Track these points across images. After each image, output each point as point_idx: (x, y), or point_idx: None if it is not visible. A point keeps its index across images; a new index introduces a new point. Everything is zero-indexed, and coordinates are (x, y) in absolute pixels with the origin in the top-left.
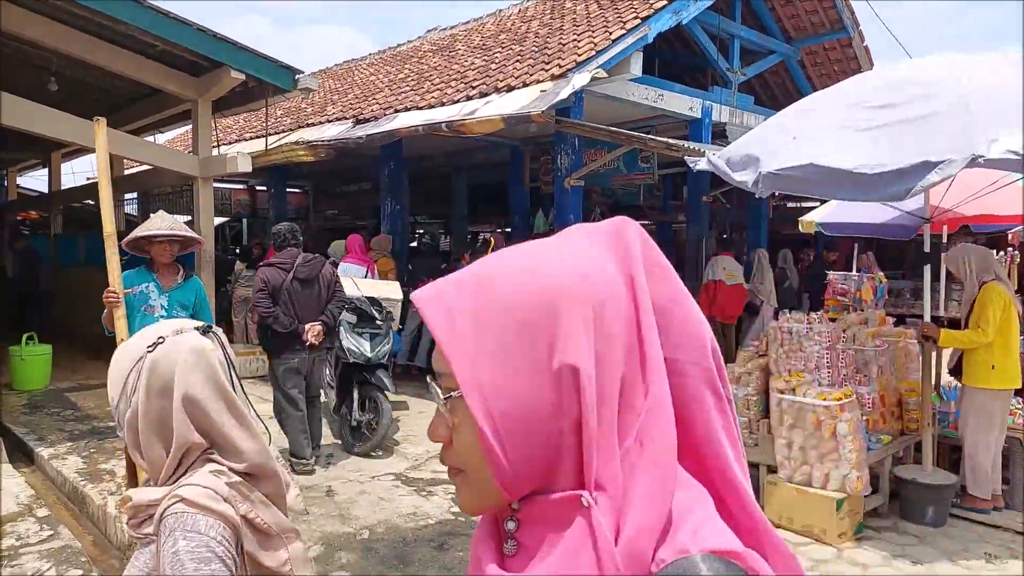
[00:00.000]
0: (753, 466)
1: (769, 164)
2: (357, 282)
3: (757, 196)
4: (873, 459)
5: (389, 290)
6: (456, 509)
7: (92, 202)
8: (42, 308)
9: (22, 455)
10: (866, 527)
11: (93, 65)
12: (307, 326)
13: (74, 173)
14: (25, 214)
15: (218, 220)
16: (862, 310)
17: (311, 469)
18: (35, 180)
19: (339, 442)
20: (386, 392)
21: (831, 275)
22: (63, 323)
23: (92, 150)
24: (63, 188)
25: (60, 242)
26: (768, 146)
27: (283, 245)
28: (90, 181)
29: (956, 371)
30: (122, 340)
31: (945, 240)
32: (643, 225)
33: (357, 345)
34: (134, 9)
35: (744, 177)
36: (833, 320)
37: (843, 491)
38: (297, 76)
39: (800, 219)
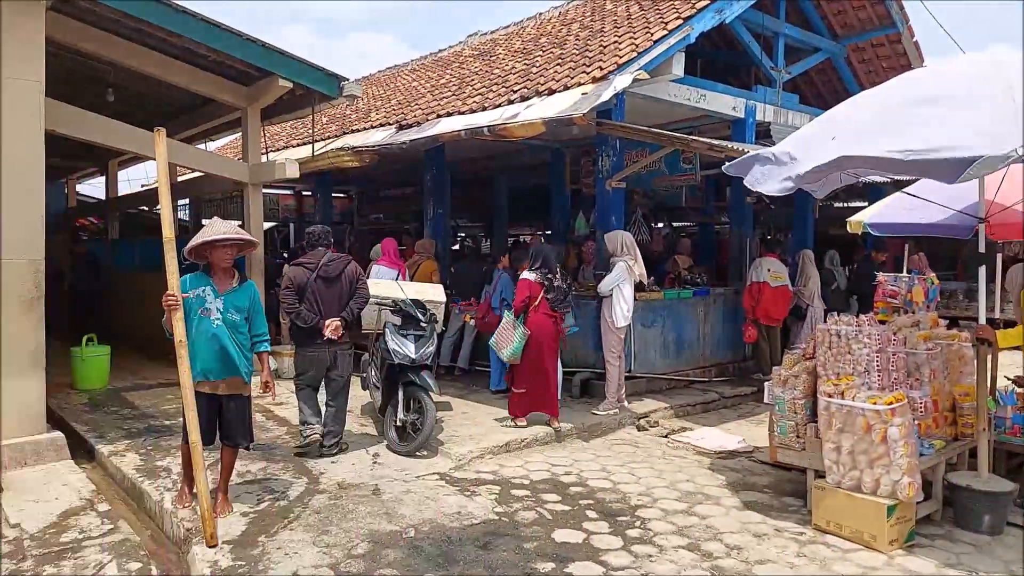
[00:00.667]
0: (800, 471)
1: (805, 165)
2: (402, 285)
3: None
4: (925, 465)
5: (433, 293)
6: (500, 509)
7: (147, 208)
8: (100, 311)
9: (83, 452)
10: (918, 534)
11: (149, 76)
12: (326, 322)
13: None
14: (83, 221)
15: (266, 225)
16: (913, 312)
17: (315, 438)
18: (92, 187)
19: (384, 441)
20: (430, 393)
21: (881, 276)
22: (120, 325)
23: (147, 158)
24: (119, 195)
25: (116, 247)
26: (807, 149)
27: (315, 245)
28: (145, 188)
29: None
30: (180, 342)
31: (1001, 242)
32: (685, 226)
33: (402, 346)
34: (187, 21)
35: (770, 187)
36: (883, 322)
37: (894, 497)
38: (342, 83)
39: (848, 220)
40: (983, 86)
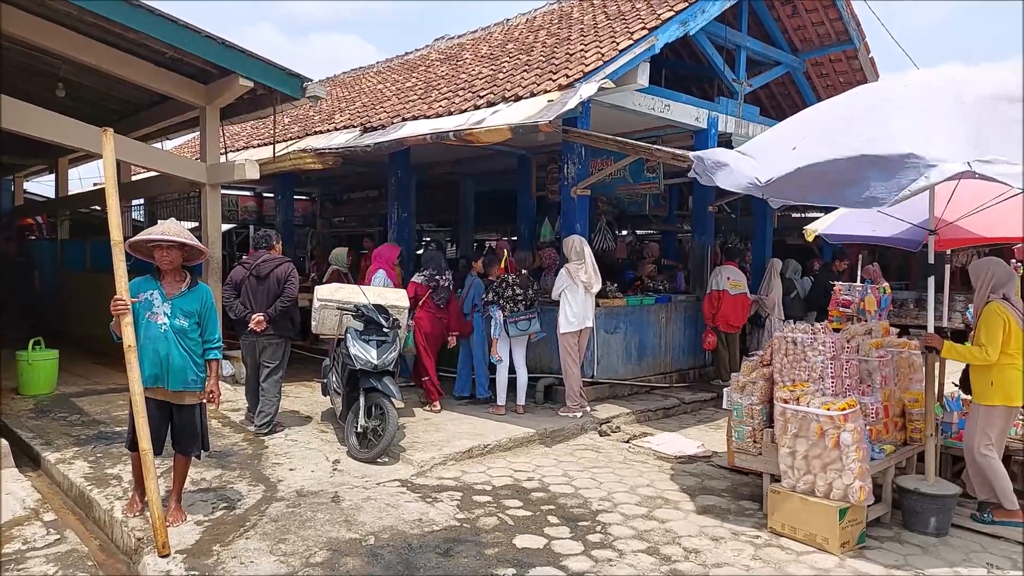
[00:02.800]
0: (757, 475)
1: (764, 173)
2: (364, 290)
3: (761, 199)
4: (876, 469)
5: (395, 297)
6: (462, 516)
7: (99, 208)
8: (36, 315)
9: (28, 459)
10: (869, 537)
11: (102, 72)
12: (252, 316)
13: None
14: (30, 220)
15: (225, 227)
16: (866, 320)
17: (253, 427)
18: (41, 185)
19: (345, 448)
20: (392, 399)
21: (836, 285)
22: (69, 328)
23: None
24: (70, 193)
25: (67, 247)
26: (766, 156)
27: (257, 247)
28: (97, 187)
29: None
30: (129, 347)
31: (949, 252)
32: (648, 234)
33: (364, 352)
34: (143, 16)
35: (733, 181)
36: (837, 330)
37: (846, 500)
38: (305, 84)
39: (804, 228)
40: (935, 100)
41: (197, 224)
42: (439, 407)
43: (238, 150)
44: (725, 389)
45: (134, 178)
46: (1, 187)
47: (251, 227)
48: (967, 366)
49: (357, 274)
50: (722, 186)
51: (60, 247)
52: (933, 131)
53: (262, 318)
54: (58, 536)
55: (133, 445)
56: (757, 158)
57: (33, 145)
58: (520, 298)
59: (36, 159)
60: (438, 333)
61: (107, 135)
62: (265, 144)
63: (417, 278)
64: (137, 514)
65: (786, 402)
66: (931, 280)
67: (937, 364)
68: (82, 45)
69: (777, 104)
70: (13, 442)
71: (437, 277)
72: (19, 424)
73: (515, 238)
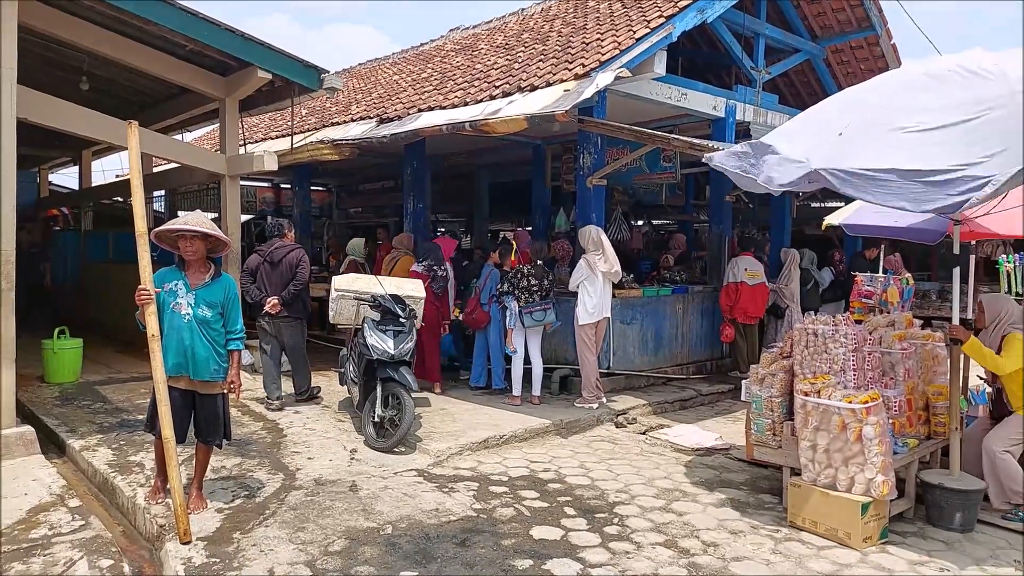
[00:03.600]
0: (776, 468)
1: (821, 162)
2: (381, 280)
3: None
4: (899, 463)
5: (412, 288)
6: (478, 506)
7: (121, 199)
8: (48, 306)
9: (54, 446)
10: (892, 532)
11: (124, 65)
12: (268, 299)
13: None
14: (55, 211)
15: (244, 218)
16: (888, 312)
17: (277, 407)
18: (65, 177)
19: (362, 437)
20: (409, 389)
21: (857, 276)
22: (93, 317)
23: (121, 148)
24: (93, 185)
25: (90, 238)
26: (810, 142)
27: (271, 235)
28: (119, 178)
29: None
30: (153, 336)
31: (974, 243)
32: (664, 224)
33: (381, 342)
34: (165, 9)
35: (776, 173)
36: (859, 322)
37: (868, 495)
38: (322, 76)
39: (825, 219)
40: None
41: (217, 215)
42: (439, 390)
43: (256, 142)
44: (743, 381)
45: (155, 170)
46: (25, 179)
47: (268, 217)
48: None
49: (372, 264)
50: (772, 187)
51: (83, 238)
52: (992, 134)
53: (277, 301)
54: (83, 522)
55: (149, 426)
56: (804, 150)
57: (57, 137)
58: (535, 288)
59: (60, 151)
60: (435, 320)
61: (132, 128)
62: (283, 135)
63: (416, 267)
64: (159, 501)
65: (807, 395)
66: (956, 271)
67: (962, 357)
68: (104, 39)
69: (796, 92)
70: (39, 429)
71: (435, 267)
72: (45, 411)
73: (530, 228)
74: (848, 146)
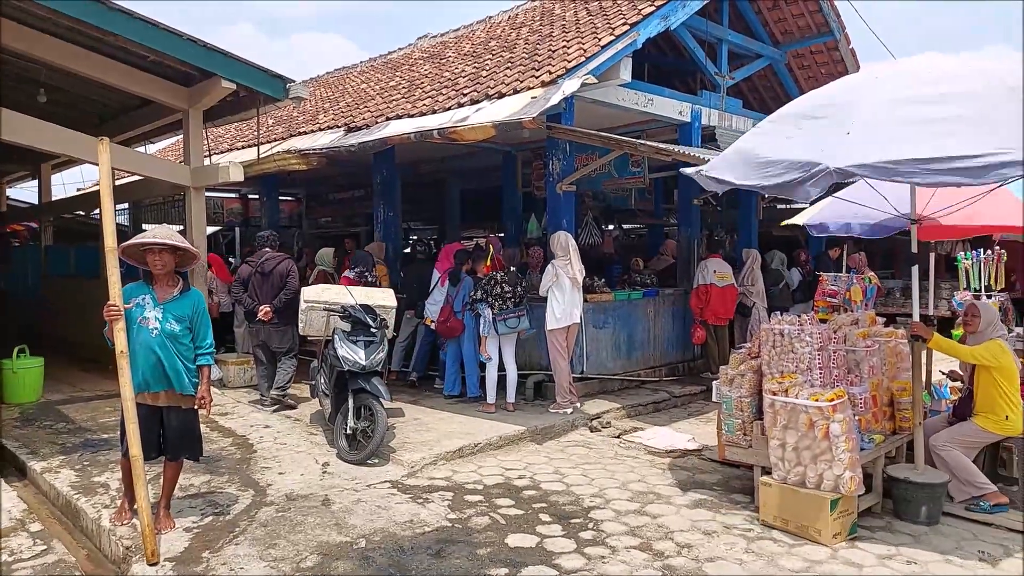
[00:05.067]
0: (748, 468)
1: (838, 160)
2: (351, 290)
3: (809, 200)
4: (866, 459)
5: (383, 297)
6: (453, 516)
7: (83, 213)
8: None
9: (15, 469)
10: (860, 527)
11: (83, 76)
12: (260, 307)
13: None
14: (14, 226)
15: (210, 229)
16: (852, 310)
17: (268, 403)
18: (24, 192)
19: (335, 450)
20: (381, 400)
21: (821, 276)
22: (55, 334)
23: (82, 161)
24: (53, 199)
25: (51, 253)
26: (815, 145)
27: (262, 246)
28: (81, 192)
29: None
30: (121, 352)
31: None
32: (634, 228)
33: (352, 353)
34: (125, 20)
35: (787, 178)
36: (823, 321)
37: (837, 491)
38: (288, 85)
39: (786, 221)
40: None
41: (182, 228)
42: None
43: (222, 152)
44: (714, 382)
45: (118, 182)
46: None
47: (236, 229)
48: (972, 386)
49: (340, 275)
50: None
51: (44, 252)
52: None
53: (269, 309)
54: (45, 547)
55: (122, 442)
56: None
57: (15, 151)
58: (509, 295)
59: (18, 165)
60: None
61: (103, 145)
62: (249, 146)
63: (349, 274)
64: (126, 522)
65: (775, 394)
66: (915, 269)
67: (924, 352)
68: (62, 50)
69: (760, 97)
70: None
71: (366, 273)
72: (4, 433)
73: (502, 235)
74: (865, 142)
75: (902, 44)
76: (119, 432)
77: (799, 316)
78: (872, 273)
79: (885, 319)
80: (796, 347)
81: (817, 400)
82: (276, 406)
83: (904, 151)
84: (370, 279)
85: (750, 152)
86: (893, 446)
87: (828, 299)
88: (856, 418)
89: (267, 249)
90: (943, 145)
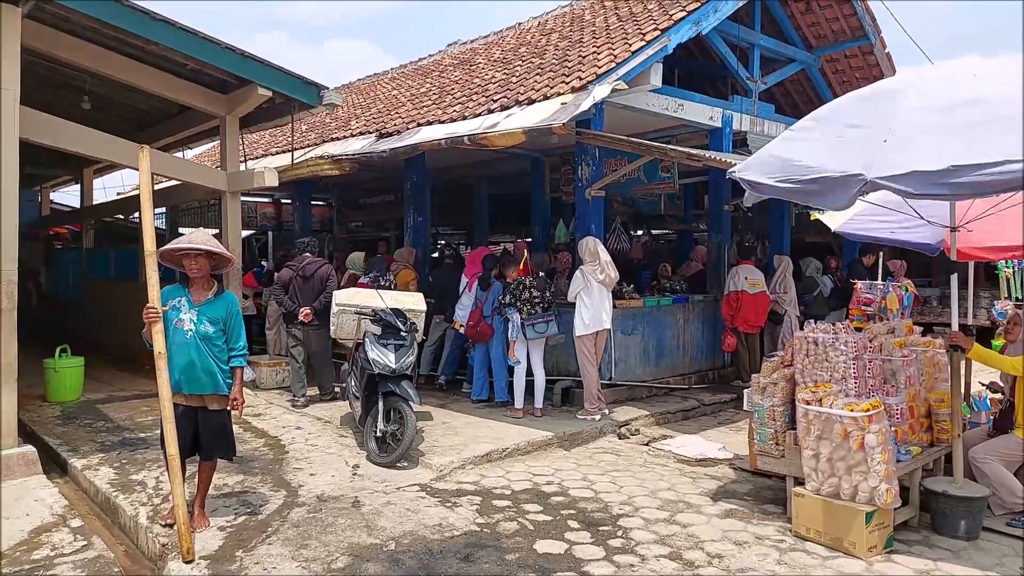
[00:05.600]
0: (779, 478)
1: (880, 170)
2: (382, 294)
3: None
4: (903, 471)
5: (413, 301)
6: (482, 520)
7: (122, 217)
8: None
9: (56, 466)
10: (897, 540)
11: (126, 84)
12: (301, 309)
13: (104, 188)
14: (57, 229)
15: (244, 233)
16: (887, 319)
17: (303, 404)
18: (66, 196)
19: (364, 453)
20: (410, 403)
21: (855, 284)
22: (94, 335)
23: (122, 166)
24: (95, 203)
25: (92, 256)
26: (853, 151)
27: (302, 251)
28: (121, 196)
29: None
30: (159, 354)
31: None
32: (663, 234)
33: (382, 356)
34: (165, 29)
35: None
36: (858, 330)
37: (872, 504)
38: (322, 92)
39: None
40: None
41: (218, 231)
42: None
43: (256, 158)
44: (745, 391)
45: (156, 187)
46: (27, 198)
47: (269, 232)
48: (1014, 398)
49: None
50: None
51: (85, 255)
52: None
53: (309, 311)
54: (85, 542)
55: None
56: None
57: (59, 156)
58: (537, 300)
59: (62, 170)
60: None
61: (144, 152)
62: (283, 151)
63: (364, 279)
64: (171, 522)
65: (808, 403)
66: (954, 278)
67: (963, 363)
68: (106, 58)
69: (792, 102)
70: (41, 448)
71: (379, 278)
72: (46, 431)
73: (530, 240)
74: (908, 151)
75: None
76: (159, 432)
77: (833, 324)
78: (908, 281)
79: (922, 329)
80: (830, 356)
81: (852, 410)
82: (307, 406)
83: (940, 159)
84: (383, 283)
85: (780, 155)
86: (930, 458)
87: (863, 308)
88: (892, 429)
89: (307, 254)
90: (977, 152)
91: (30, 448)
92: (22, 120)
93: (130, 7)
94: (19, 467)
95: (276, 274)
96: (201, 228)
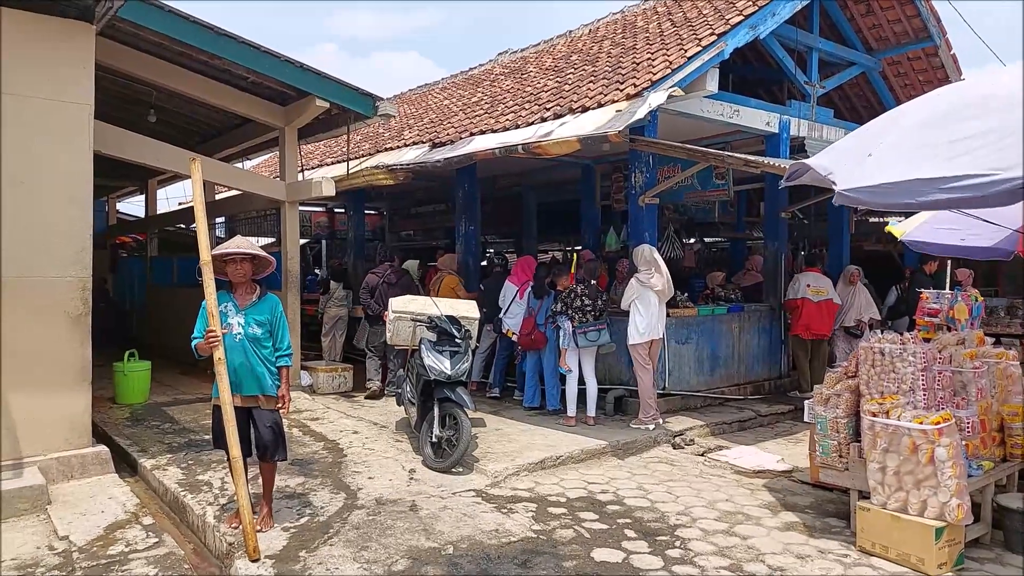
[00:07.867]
0: (842, 491)
1: (844, 182)
2: (437, 301)
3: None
4: (974, 486)
5: (467, 309)
6: (538, 527)
7: (184, 226)
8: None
9: (126, 465)
10: (967, 558)
11: (189, 97)
12: (385, 312)
13: (168, 198)
14: (124, 238)
15: (300, 241)
16: (955, 329)
17: (374, 388)
18: (131, 206)
19: (420, 457)
20: (465, 409)
21: (923, 293)
22: (158, 340)
23: (186, 177)
24: (158, 213)
25: (155, 264)
26: (845, 163)
27: (383, 260)
28: (183, 206)
29: None
30: (219, 360)
31: None
32: (716, 242)
33: (437, 362)
34: (228, 44)
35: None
36: (926, 340)
37: (942, 519)
38: (377, 103)
39: (888, 228)
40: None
41: (275, 240)
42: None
43: (312, 168)
44: (807, 402)
45: (217, 197)
46: (96, 207)
47: (323, 241)
48: None
49: (425, 286)
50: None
51: (149, 263)
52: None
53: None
54: (157, 539)
55: (216, 443)
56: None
57: (125, 167)
58: (589, 308)
59: (128, 181)
60: None
61: (195, 164)
62: (338, 162)
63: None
64: (236, 524)
65: (875, 415)
66: None
67: None
68: (172, 73)
69: (852, 106)
70: (112, 448)
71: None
72: (117, 432)
73: (579, 247)
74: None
75: (1009, 44)
76: (215, 431)
77: (900, 334)
78: (976, 290)
79: (992, 339)
80: (898, 367)
81: (922, 423)
82: (378, 395)
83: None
84: (421, 294)
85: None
86: (1003, 474)
87: (929, 318)
88: (963, 443)
89: (387, 263)
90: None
91: (103, 448)
92: (94, 134)
93: (198, 23)
94: (94, 466)
95: (364, 279)
96: (238, 236)
